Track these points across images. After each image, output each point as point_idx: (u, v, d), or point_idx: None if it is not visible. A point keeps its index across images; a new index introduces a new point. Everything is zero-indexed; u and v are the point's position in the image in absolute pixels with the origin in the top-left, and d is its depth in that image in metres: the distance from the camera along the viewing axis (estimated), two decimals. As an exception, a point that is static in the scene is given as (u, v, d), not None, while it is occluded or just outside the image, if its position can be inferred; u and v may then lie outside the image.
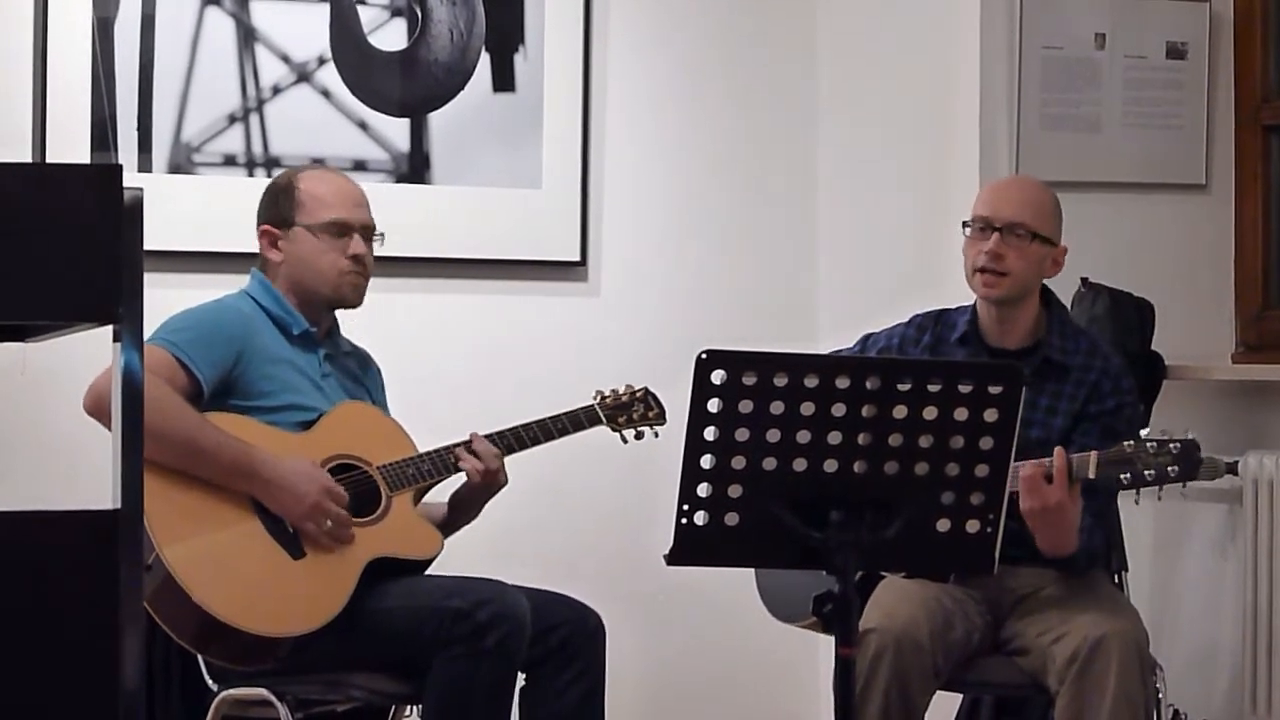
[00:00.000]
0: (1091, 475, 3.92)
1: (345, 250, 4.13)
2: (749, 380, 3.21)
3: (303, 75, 5.04)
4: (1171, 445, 3.89)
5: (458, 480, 4.19)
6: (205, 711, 3.99)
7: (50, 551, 2.38)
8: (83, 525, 2.40)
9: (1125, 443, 3.92)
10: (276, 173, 4.54)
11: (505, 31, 5.19)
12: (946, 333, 4.29)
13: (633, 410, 4.37)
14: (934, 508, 3.30)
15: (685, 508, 3.25)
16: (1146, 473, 3.89)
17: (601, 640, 4.09)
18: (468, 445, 4.14)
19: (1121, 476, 3.91)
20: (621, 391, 4.38)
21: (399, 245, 4.34)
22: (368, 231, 4.17)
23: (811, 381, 3.22)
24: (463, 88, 5.16)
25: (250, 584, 3.88)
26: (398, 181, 5.07)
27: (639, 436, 4.38)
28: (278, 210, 4.17)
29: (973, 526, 3.32)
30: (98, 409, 3.86)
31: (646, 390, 4.40)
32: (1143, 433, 3.96)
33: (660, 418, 4.38)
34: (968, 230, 4.20)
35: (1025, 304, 4.22)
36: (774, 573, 4.29)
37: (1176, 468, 3.88)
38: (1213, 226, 5.27)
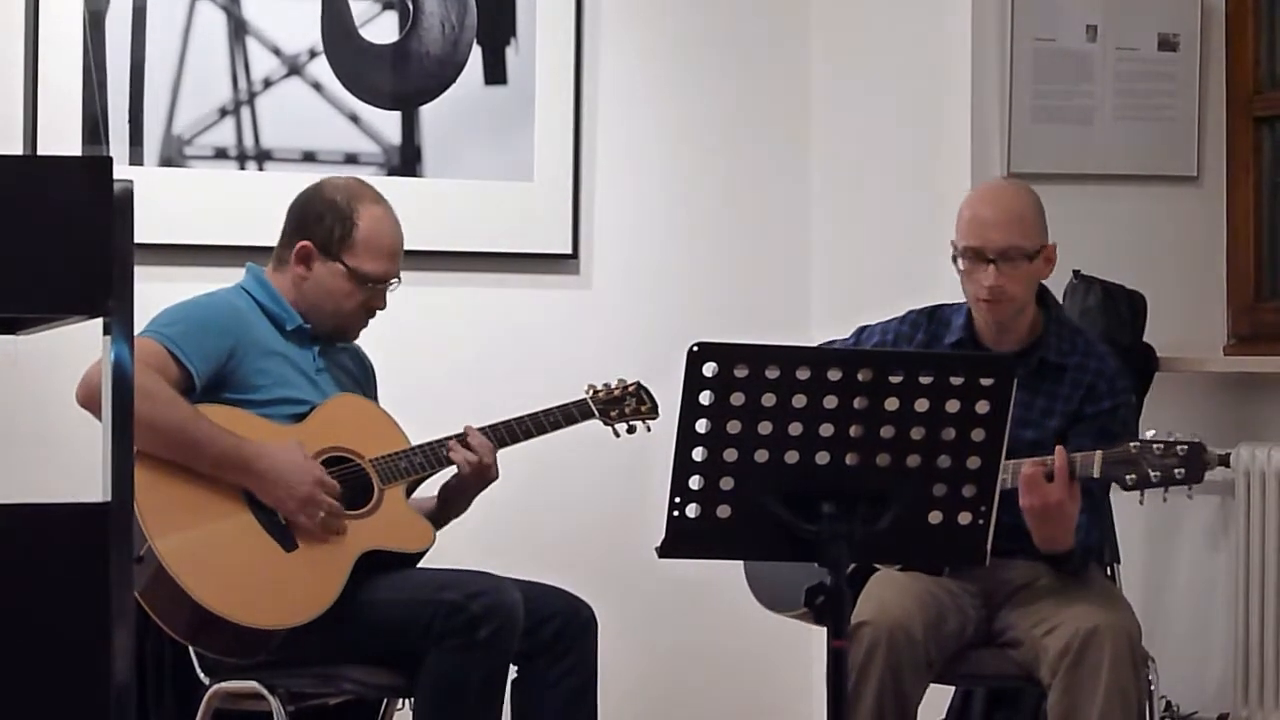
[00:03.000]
0: (1096, 474, 3.89)
1: (370, 300, 4.14)
2: (740, 373, 3.20)
3: (294, 68, 5.03)
4: (1178, 447, 3.84)
5: (450, 473, 4.18)
6: (197, 705, 3.98)
7: (40, 545, 2.38)
8: (73, 518, 2.39)
9: (1131, 444, 3.88)
10: (323, 176, 4.29)
11: (497, 24, 5.19)
12: (941, 331, 4.24)
13: (625, 404, 4.36)
14: (926, 500, 3.29)
15: (677, 500, 3.24)
16: (1152, 474, 3.85)
17: (594, 633, 4.09)
18: (461, 438, 4.14)
19: (1127, 477, 3.87)
20: (614, 386, 4.37)
21: (391, 238, 4.33)
22: (394, 281, 4.17)
23: (803, 374, 3.21)
24: (454, 80, 5.15)
25: (242, 576, 3.88)
26: (389, 174, 5.06)
27: (631, 430, 4.38)
28: (328, 235, 4.11)
29: (965, 518, 3.31)
30: (90, 400, 3.85)
31: (639, 384, 4.40)
32: (1149, 434, 3.90)
33: (652, 412, 4.37)
34: (960, 263, 4.12)
35: (1024, 311, 4.18)
36: (762, 562, 4.28)
37: (1183, 470, 3.84)
38: (1204, 219, 5.27)
